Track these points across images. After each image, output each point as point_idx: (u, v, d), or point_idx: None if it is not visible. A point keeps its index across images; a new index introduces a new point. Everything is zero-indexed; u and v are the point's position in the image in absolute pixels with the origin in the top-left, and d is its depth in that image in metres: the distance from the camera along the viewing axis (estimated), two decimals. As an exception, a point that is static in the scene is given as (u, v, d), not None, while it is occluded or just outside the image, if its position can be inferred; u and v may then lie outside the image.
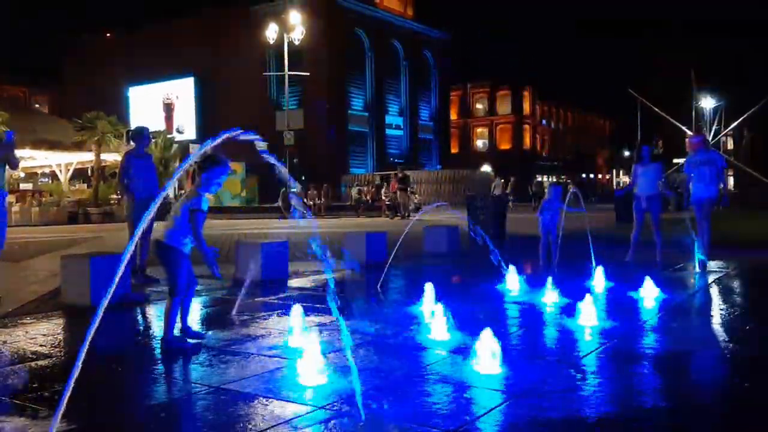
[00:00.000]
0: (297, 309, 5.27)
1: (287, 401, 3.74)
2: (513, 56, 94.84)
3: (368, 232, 10.88)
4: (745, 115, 47.98)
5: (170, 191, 30.39)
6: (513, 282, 7.63)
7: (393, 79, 58.27)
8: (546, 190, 10.39)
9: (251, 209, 34.51)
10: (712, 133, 48.52)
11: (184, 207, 4.81)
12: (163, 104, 57.72)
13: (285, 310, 6.36)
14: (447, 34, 63.02)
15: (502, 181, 38.92)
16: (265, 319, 6.22)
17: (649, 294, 7.00)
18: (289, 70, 33.62)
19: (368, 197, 33.21)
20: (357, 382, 3.50)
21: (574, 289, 6.86)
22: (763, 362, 4.68)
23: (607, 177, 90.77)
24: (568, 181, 62.92)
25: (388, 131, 57.65)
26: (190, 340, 5.07)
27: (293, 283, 8.48)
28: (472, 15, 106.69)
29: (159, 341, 5.06)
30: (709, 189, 9.68)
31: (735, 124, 50.45)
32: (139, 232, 3.11)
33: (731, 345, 5.26)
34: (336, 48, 50.49)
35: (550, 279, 6.91)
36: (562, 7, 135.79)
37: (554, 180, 53.58)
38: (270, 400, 3.77)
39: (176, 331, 5.03)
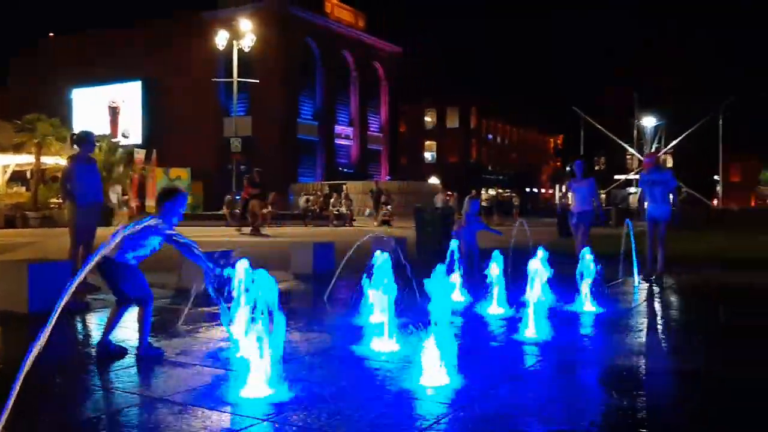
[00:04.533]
0: (242, 319, 5.24)
1: (232, 413, 3.73)
2: (460, 71, 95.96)
3: (315, 242, 10.87)
4: (679, 138, 49.70)
5: (113, 197, 29.77)
6: (458, 294, 7.74)
7: (343, 89, 58.33)
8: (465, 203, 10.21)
9: (196, 216, 34.01)
10: (652, 151, 49.99)
11: (148, 234, 4.86)
12: (108, 108, 56.48)
13: (230, 320, 6.31)
14: (397, 46, 63.44)
15: (449, 193, 39.21)
16: (209, 329, 6.17)
17: (587, 308, 7.18)
18: (238, 77, 33.37)
19: (316, 207, 33.08)
20: (303, 393, 3.52)
21: (516, 302, 6.99)
22: (702, 376, 4.86)
23: (551, 191, 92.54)
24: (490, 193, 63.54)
25: (338, 141, 57.65)
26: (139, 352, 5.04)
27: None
28: (422, 31, 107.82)
29: (103, 351, 5.01)
30: (660, 208, 9.94)
31: (675, 142, 52.16)
32: (96, 257, 3.09)
33: (668, 358, 5.45)
34: (286, 56, 50.28)
35: (494, 291, 7.03)
36: (509, 27, 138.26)
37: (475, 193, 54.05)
38: (214, 411, 3.75)
39: (95, 344, 5.07)
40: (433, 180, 63.51)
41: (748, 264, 12.25)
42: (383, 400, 4.02)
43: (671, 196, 10.08)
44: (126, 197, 32.05)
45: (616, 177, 58.40)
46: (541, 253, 6.30)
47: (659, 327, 6.91)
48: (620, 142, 52.66)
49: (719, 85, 63.21)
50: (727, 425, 3.76)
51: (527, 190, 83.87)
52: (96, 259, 3.05)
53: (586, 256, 7.18)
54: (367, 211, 35.13)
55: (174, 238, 4.92)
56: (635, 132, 55.99)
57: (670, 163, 66.91)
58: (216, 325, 6.32)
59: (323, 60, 54.98)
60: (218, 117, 49.64)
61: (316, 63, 54.87)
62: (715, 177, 57.31)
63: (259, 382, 4.05)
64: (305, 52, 53.50)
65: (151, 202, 33.21)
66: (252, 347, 4.11)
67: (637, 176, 54.10)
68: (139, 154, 35.00)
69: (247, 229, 21.98)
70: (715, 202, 54.21)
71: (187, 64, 51.26)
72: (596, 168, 75.28)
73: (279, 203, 34.89)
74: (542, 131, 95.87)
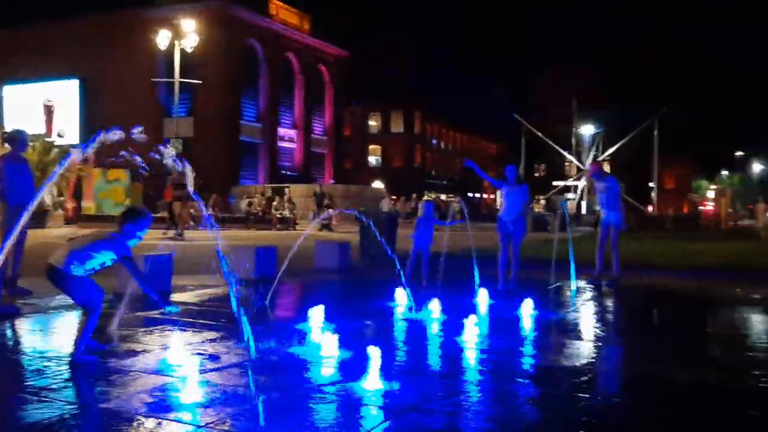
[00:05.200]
0: (180, 324, 5.14)
1: (169, 420, 3.65)
2: (406, 76, 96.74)
3: (258, 246, 10.75)
4: (616, 147, 51.15)
5: (47, 198, 28.89)
6: (399, 298, 7.76)
7: (287, 92, 57.92)
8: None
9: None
10: (590, 158, 51.25)
11: (100, 249, 4.81)
12: (43, 106, 54.71)
13: (167, 325, 6.19)
14: (343, 50, 63.42)
15: (393, 198, 39.38)
16: (146, 334, 6.02)
17: (525, 313, 7.29)
18: (180, 77, 32.80)
19: (259, 209, 32.73)
20: (242, 400, 3.47)
21: (454, 307, 7.06)
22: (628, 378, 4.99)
23: (492, 197, 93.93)
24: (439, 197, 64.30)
25: (281, 143, 57.23)
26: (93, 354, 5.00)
27: (177, 297, 8.25)
28: (368, 35, 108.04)
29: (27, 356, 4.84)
30: (610, 214, 10.22)
31: (611, 150, 53.55)
32: (10, 241, 2.98)
33: (606, 362, 5.57)
34: (228, 57, 49.65)
35: (435, 297, 7.07)
36: (454, 33, 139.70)
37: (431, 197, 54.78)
38: (150, 419, 3.66)
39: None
40: (378, 184, 63.68)
41: (681, 267, 12.66)
42: (325, 405, 3.99)
43: (616, 201, 10.35)
44: (61, 198, 31.10)
45: (555, 183, 59.63)
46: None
47: (594, 329, 7.07)
48: (559, 149, 53.82)
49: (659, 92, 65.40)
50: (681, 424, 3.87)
51: (470, 195, 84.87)
52: None
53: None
54: (311, 214, 34.97)
55: (128, 260, 4.86)
56: (573, 140, 57.29)
57: (608, 169, 68.56)
58: (152, 330, 6.19)
59: (267, 62, 54.54)
60: (158, 117, 48.73)
61: (259, 64, 54.36)
62: (650, 184, 59.08)
63: (196, 388, 3.97)
64: (248, 53, 52.95)
65: (87, 204, 32.30)
66: (189, 353, 4.04)
67: (576, 183, 55.58)
68: (75, 152, 33.94)
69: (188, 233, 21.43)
70: (650, 208, 55.88)
71: (126, 62, 50.13)
72: (536, 174, 76.77)
73: (220, 206, 34.41)
74: (487, 137, 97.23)
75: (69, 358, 4.86)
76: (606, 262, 10.32)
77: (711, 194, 78.54)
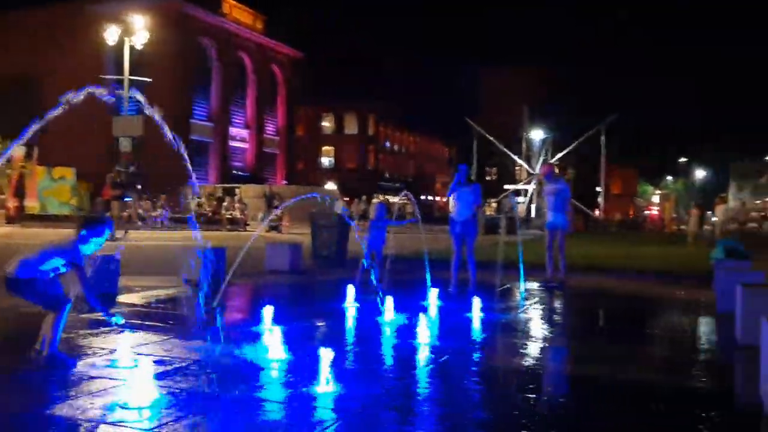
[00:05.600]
0: (127, 327, 5.05)
1: (114, 425, 3.58)
2: (361, 78, 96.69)
3: (207, 247, 10.60)
4: (564, 152, 52.15)
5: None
6: (351, 300, 7.75)
7: (239, 91, 57.36)
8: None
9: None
10: (540, 163, 52.09)
11: (53, 254, 4.76)
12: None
13: (114, 328, 6.06)
14: (296, 50, 63.12)
15: (345, 199, 39.32)
16: (91, 337, 5.89)
17: (475, 314, 7.37)
18: (129, 74, 32.18)
19: (208, 210, 32.29)
20: (190, 403, 3.43)
21: (406, 309, 7.09)
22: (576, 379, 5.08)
23: (445, 200, 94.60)
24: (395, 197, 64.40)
25: (232, 143, 56.64)
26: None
27: (123, 299, 8.08)
28: (323, 35, 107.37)
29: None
30: (556, 217, 10.31)
31: (560, 155, 54.50)
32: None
33: (553, 362, 5.68)
34: (180, 55, 48.91)
35: (388, 299, 7.08)
36: (409, 35, 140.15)
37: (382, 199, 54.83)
38: (96, 423, 3.58)
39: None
40: (330, 185, 63.55)
41: (624, 270, 12.98)
42: (276, 406, 3.97)
43: (564, 205, 10.50)
44: (2, 197, 30.17)
45: (506, 187, 60.39)
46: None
47: (542, 330, 7.18)
48: (510, 153, 54.58)
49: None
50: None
51: (423, 197, 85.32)
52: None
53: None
54: (260, 215, 34.70)
55: (77, 268, 4.75)
56: (524, 144, 58.14)
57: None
58: (98, 333, 6.06)
59: (219, 60, 53.94)
60: (107, 115, 47.69)
61: (211, 63, 53.74)
62: (597, 188, 60.34)
63: (144, 391, 3.90)
64: (200, 51, 52.29)
65: (31, 203, 31.43)
66: (136, 356, 3.97)
67: (526, 186, 56.46)
68: (18, 152, 33.01)
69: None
70: (597, 212, 57.05)
71: (73, 59, 48.89)
72: (488, 178, 77.66)
73: (169, 206, 33.86)
74: (440, 140, 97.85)
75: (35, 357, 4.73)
76: (554, 264, 10.49)
77: (656, 199, 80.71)
